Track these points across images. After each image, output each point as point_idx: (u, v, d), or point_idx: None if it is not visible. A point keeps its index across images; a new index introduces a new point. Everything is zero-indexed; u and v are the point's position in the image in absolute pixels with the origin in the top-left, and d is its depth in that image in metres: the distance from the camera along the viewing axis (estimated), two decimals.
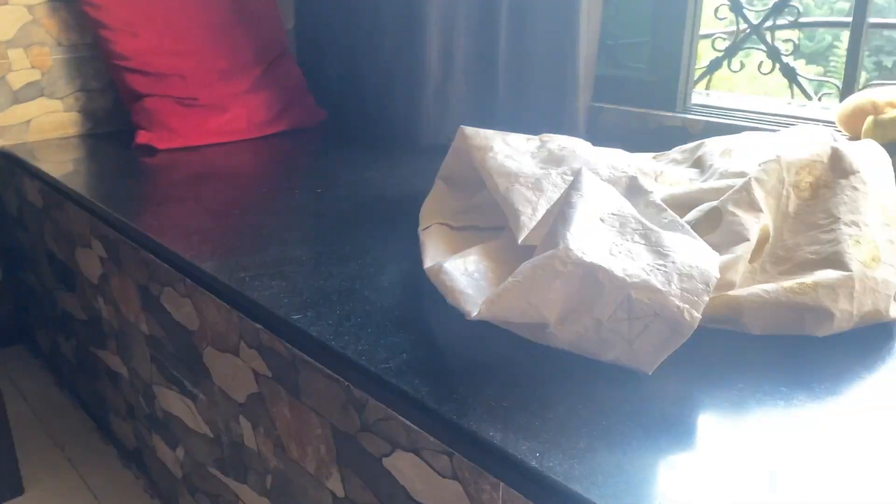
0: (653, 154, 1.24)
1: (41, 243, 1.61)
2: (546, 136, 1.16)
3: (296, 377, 0.87)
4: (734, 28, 1.61)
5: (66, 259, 1.49)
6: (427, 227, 1.09)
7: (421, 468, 0.72)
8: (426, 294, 0.91)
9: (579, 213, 0.79)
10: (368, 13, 1.75)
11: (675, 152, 1.22)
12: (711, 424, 0.68)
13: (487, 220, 1.11)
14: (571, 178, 0.98)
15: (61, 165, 1.56)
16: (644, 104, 1.59)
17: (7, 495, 1.43)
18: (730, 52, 1.59)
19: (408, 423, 0.72)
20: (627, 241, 0.77)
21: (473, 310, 0.80)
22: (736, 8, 1.55)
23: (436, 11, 1.57)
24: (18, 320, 1.90)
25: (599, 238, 0.77)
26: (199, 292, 1.03)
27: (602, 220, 0.80)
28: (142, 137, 1.65)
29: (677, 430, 0.68)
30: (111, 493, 1.45)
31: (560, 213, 0.81)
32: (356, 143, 1.72)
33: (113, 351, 1.40)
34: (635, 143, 1.43)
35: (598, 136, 1.51)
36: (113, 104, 1.82)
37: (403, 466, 0.75)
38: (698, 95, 1.61)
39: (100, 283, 1.36)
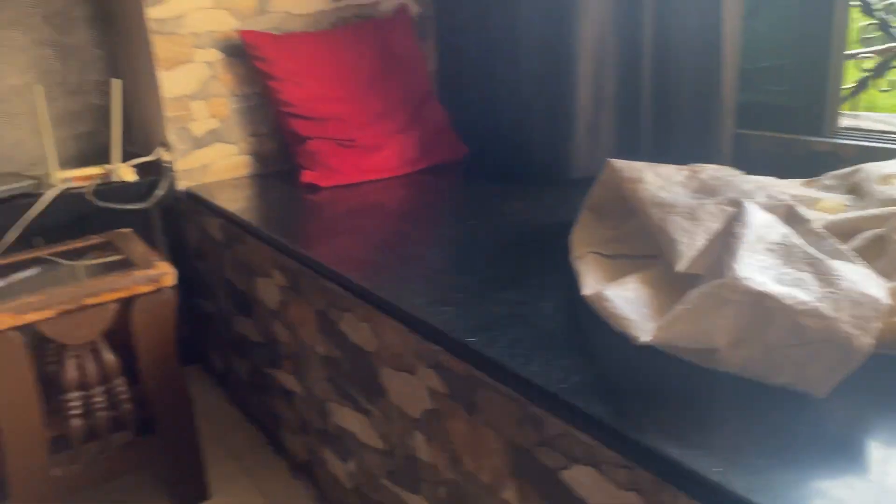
0: (803, 180, 1.25)
1: (220, 273, 1.80)
2: (696, 167, 1.20)
3: (472, 395, 0.96)
4: (879, 47, 1.59)
5: (245, 287, 1.67)
6: (580, 256, 1.16)
7: (599, 480, 0.79)
8: (587, 319, 0.97)
9: (744, 243, 0.84)
10: (507, 53, 1.84)
11: (828, 178, 1.23)
12: (887, 449, 0.71)
13: (638, 248, 1.16)
14: (728, 208, 1.02)
15: (239, 203, 1.74)
16: (786, 129, 1.59)
17: (195, 500, 1.60)
18: (878, 71, 1.56)
19: (586, 438, 0.79)
20: (794, 269, 0.81)
21: (642, 335, 0.85)
22: (884, 26, 1.53)
23: (586, 47, 1.64)
24: (194, 343, 2.11)
25: (766, 267, 0.81)
26: (377, 317, 1.14)
27: (768, 250, 0.84)
28: (307, 176, 1.81)
29: (852, 453, 0.71)
30: (284, 500, 1.59)
31: (725, 243, 0.86)
32: (497, 176, 1.81)
33: (288, 371, 1.55)
34: (782, 169, 1.44)
35: (744, 163, 1.52)
36: (278, 147, 2.01)
37: (581, 478, 0.81)
38: (846, 118, 1.59)
39: (278, 309, 1.51)
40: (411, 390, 1.10)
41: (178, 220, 1.98)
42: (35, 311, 1.33)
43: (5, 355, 1.32)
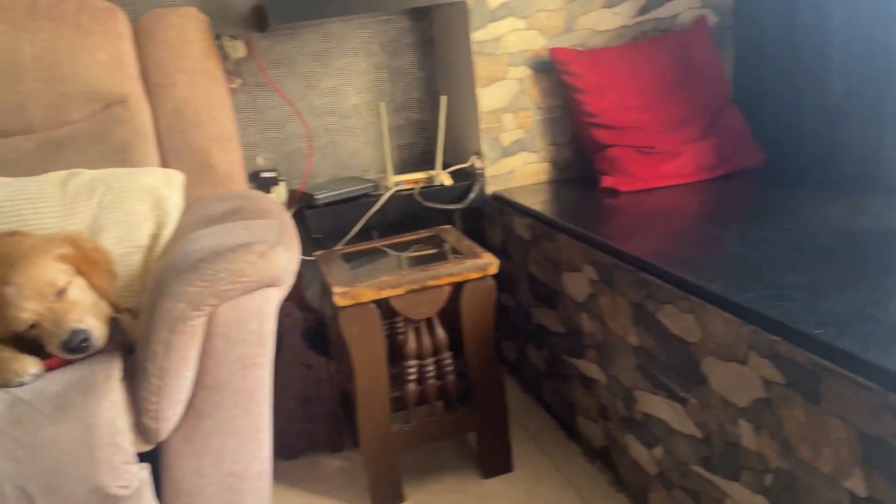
0: None
1: (523, 269, 1.97)
2: None
3: (816, 384, 0.99)
4: None
5: (550, 281, 1.82)
6: None
7: None
8: None
9: None
10: (814, 55, 1.81)
11: None
12: None
13: None
14: None
15: (546, 205, 1.91)
16: None
17: (500, 470, 1.77)
18: None
19: None
20: None
21: None
22: None
23: None
24: None
25: None
26: (705, 309, 1.21)
27: None
28: (606, 182, 1.93)
29: None
30: (580, 482, 1.71)
31: None
32: (803, 183, 1.78)
33: (591, 360, 1.67)
34: None
35: None
36: (574, 155, 2.16)
37: None
38: None
39: (585, 301, 1.64)
40: (738, 379, 1.15)
41: (479, 221, 2.20)
42: (389, 288, 1.59)
43: (366, 323, 1.59)
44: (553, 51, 2.03)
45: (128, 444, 1.20)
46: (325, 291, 1.82)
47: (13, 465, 1.13)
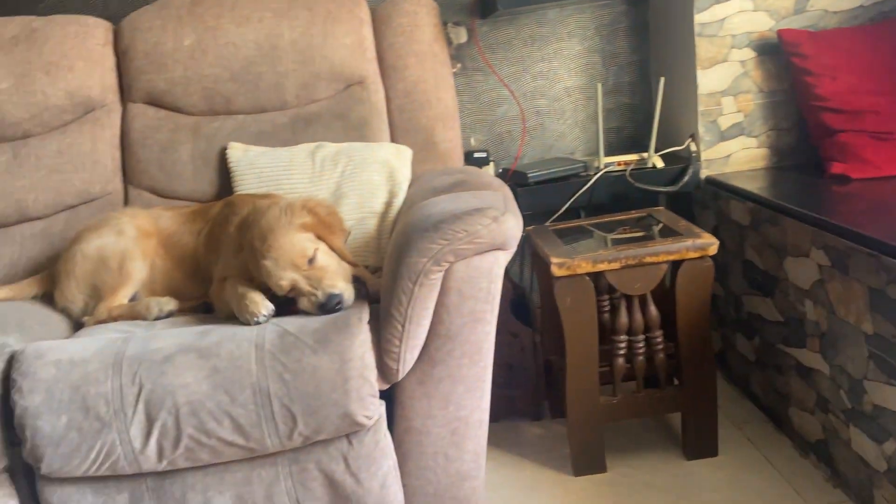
0: None
1: (738, 255, 1.93)
2: None
3: None
4: None
5: (769, 268, 1.77)
6: None
7: None
8: None
9: None
10: None
11: None
12: None
13: None
14: None
15: (766, 190, 1.86)
16: None
17: (705, 453, 1.76)
18: None
19: None
20: None
21: None
22: None
23: None
24: None
25: None
26: None
27: None
28: (836, 168, 1.84)
29: None
30: (791, 474, 1.66)
31: None
32: None
33: (813, 349, 1.61)
34: None
35: None
36: (796, 141, 2.07)
37: None
38: None
39: (812, 288, 1.58)
40: None
41: (688, 205, 2.18)
42: (606, 262, 1.63)
43: (580, 294, 1.65)
44: (781, 32, 1.96)
45: (374, 379, 1.35)
46: (538, 263, 1.90)
47: (281, 386, 1.31)
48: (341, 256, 1.52)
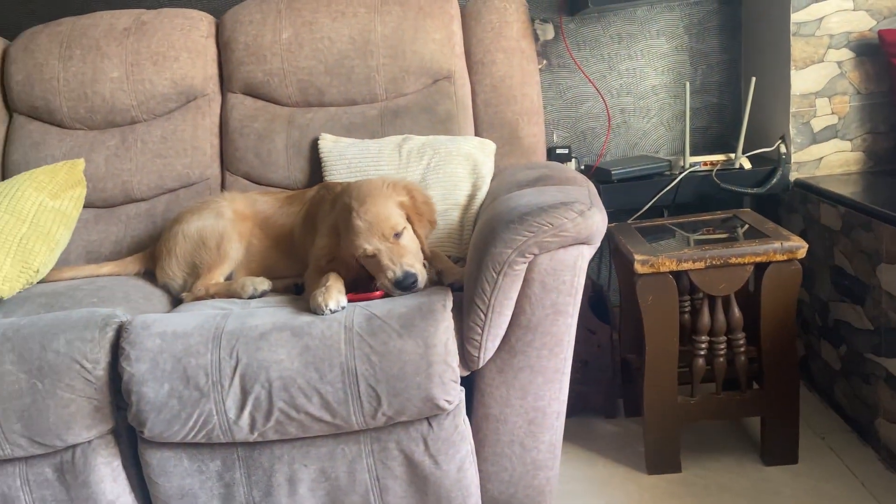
0: None
1: (826, 261, 1.88)
2: None
3: None
4: None
5: (860, 274, 1.72)
6: None
7: None
8: None
9: None
10: None
11: None
12: None
13: None
14: None
15: (861, 194, 1.80)
16: None
17: (784, 460, 1.73)
18: None
19: None
20: None
21: None
22: None
23: None
24: None
25: None
26: None
27: None
28: None
29: None
30: (877, 488, 1.61)
31: None
32: None
33: None
34: None
35: None
36: (894, 145, 2.00)
37: None
38: None
39: None
40: None
41: (774, 207, 2.13)
42: (690, 261, 1.63)
43: (662, 293, 1.65)
44: (883, 32, 1.90)
45: (456, 365, 1.39)
46: (620, 260, 1.90)
47: (368, 367, 1.36)
48: (421, 244, 1.57)
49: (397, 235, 1.52)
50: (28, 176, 1.83)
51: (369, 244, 1.50)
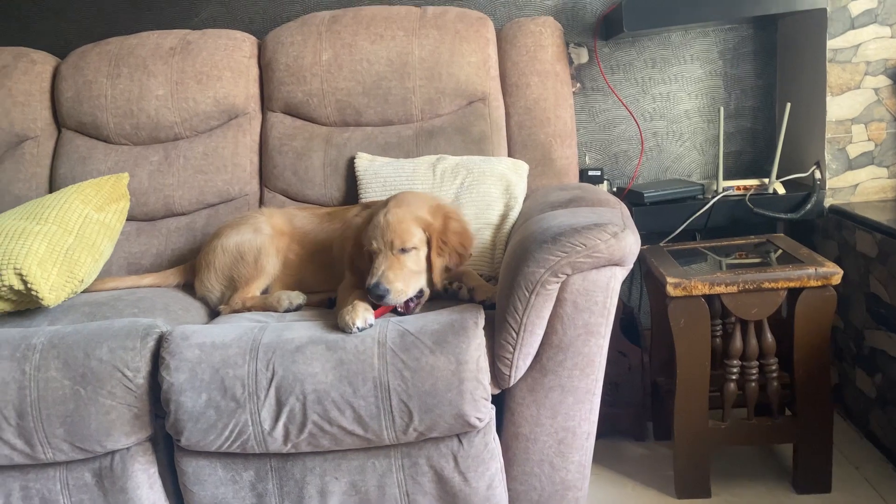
0: None
1: (862, 288, 1.87)
2: None
3: None
4: None
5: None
6: None
7: None
8: None
9: None
10: None
11: None
12: None
13: None
14: None
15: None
16: None
17: (816, 489, 1.70)
18: None
19: None
20: None
21: None
22: None
23: None
24: None
25: None
26: None
27: None
28: None
29: None
30: None
31: None
32: None
33: None
34: None
35: None
36: None
37: None
38: None
39: None
40: None
41: (807, 233, 2.12)
42: (723, 285, 1.62)
43: (695, 316, 1.65)
44: None
45: (487, 383, 1.40)
46: (652, 283, 1.91)
47: (400, 383, 1.38)
48: (432, 271, 1.57)
49: (403, 251, 1.53)
50: (75, 189, 1.90)
51: (374, 246, 1.53)
